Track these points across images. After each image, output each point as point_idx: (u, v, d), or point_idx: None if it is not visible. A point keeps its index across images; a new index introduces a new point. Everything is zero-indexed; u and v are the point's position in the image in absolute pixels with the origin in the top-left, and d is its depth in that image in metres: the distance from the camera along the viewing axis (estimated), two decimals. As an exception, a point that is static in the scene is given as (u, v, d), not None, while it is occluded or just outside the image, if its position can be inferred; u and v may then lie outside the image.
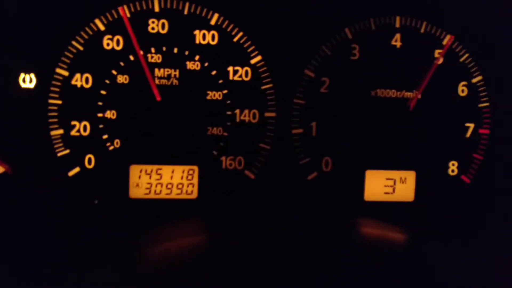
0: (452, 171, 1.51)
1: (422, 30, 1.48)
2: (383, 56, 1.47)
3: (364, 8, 1.46)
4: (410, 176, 1.49)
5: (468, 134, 1.51)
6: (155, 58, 1.39)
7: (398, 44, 1.47)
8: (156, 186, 1.41)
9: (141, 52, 1.38)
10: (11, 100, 1.33)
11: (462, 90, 1.50)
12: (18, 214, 1.33)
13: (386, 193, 1.49)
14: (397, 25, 1.47)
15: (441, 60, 1.48)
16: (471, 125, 1.51)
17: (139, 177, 1.40)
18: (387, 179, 1.49)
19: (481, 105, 1.51)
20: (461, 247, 1.25)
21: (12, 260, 1.13)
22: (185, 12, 1.40)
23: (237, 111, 1.43)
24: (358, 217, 1.41)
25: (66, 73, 1.36)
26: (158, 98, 1.39)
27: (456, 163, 1.51)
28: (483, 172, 1.51)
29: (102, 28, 1.37)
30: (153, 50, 1.39)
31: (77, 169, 1.38)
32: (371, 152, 1.48)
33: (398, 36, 1.47)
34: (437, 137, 1.50)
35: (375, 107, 1.47)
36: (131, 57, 1.38)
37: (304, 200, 1.46)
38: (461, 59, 1.50)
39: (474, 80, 1.50)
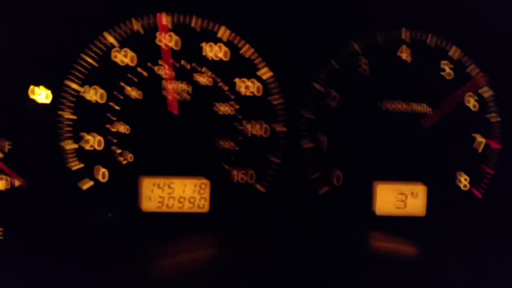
0: (464, 186, 1.51)
1: (430, 43, 1.48)
2: (391, 69, 1.47)
3: (372, 21, 1.47)
4: (421, 190, 1.49)
5: (479, 149, 1.51)
6: (167, 72, 1.40)
7: (406, 57, 1.48)
8: (168, 199, 1.42)
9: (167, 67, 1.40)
10: (25, 115, 1.35)
11: (473, 104, 1.50)
12: (32, 227, 1.34)
13: (397, 207, 1.48)
14: (405, 38, 1.48)
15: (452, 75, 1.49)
16: (483, 140, 1.51)
17: (152, 190, 1.41)
18: (398, 193, 1.48)
19: (492, 119, 1.51)
20: (473, 261, 1.24)
21: (26, 272, 1.14)
22: (197, 28, 1.41)
23: (248, 125, 1.44)
24: (369, 231, 1.41)
25: (79, 88, 1.38)
26: (176, 112, 1.40)
27: (467, 178, 1.51)
28: (494, 186, 1.51)
29: (115, 43, 1.38)
30: (165, 64, 1.40)
31: (90, 183, 1.39)
32: (381, 166, 1.48)
33: (406, 49, 1.48)
34: (448, 151, 1.50)
35: (384, 120, 1.47)
36: (142, 72, 1.40)
37: (314, 214, 1.46)
38: (469, 73, 1.50)
39: (486, 95, 1.50)
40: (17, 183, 1.35)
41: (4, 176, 1.35)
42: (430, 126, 1.48)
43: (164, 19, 1.40)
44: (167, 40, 1.40)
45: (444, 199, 1.50)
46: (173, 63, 1.41)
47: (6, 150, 1.34)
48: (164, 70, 1.40)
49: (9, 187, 1.35)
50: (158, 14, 1.40)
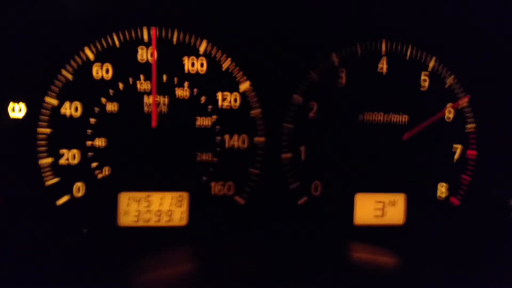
0: (442, 192, 1.52)
1: (408, 55, 1.50)
2: (370, 80, 1.48)
3: (351, 33, 1.48)
4: (399, 199, 1.50)
5: (456, 156, 1.52)
6: (144, 85, 1.40)
7: (385, 68, 1.49)
8: (145, 213, 1.40)
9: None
10: (0, 130, 1.33)
11: (448, 112, 1.52)
12: (8, 243, 1.31)
13: (376, 216, 1.49)
14: (383, 50, 1.49)
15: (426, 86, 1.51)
16: (459, 147, 1.52)
17: (128, 204, 1.40)
18: (377, 202, 1.49)
19: (468, 126, 1.53)
20: (452, 269, 1.24)
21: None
22: (174, 40, 1.41)
23: (227, 137, 1.44)
24: (348, 241, 1.41)
25: (55, 102, 1.36)
26: (154, 125, 1.39)
27: (445, 185, 1.52)
28: (472, 194, 1.52)
29: (91, 57, 1.38)
30: (142, 78, 1.40)
31: (66, 198, 1.37)
32: (360, 176, 1.49)
33: (384, 60, 1.49)
34: (425, 160, 1.51)
35: (364, 131, 1.48)
36: (120, 85, 1.39)
37: (294, 225, 1.46)
38: (447, 83, 1.51)
39: (461, 103, 1.52)
40: None
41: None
42: (408, 138, 1.49)
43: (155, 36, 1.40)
44: (145, 53, 1.41)
45: (422, 207, 1.50)
46: (150, 76, 1.40)
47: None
48: (148, 84, 1.40)
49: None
50: (152, 29, 1.39)
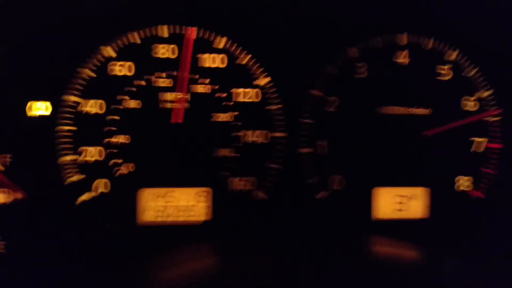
0: (465, 186, 1.50)
1: (429, 46, 1.48)
2: (390, 73, 1.47)
3: (370, 26, 1.47)
4: (421, 193, 1.48)
5: (480, 149, 1.50)
6: (166, 82, 1.41)
7: (405, 61, 1.48)
8: (167, 209, 1.42)
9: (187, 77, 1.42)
10: (24, 128, 1.36)
11: (472, 104, 1.50)
12: (33, 240, 1.34)
13: (397, 210, 1.48)
14: (404, 42, 1.47)
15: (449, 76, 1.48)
16: (483, 140, 1.50)
17: (149, 200, 1.41)
18: (398, 196, 1.48)
19: (492, 119, 1.50)
20: (476, 263, 1.22)
21: (27, 285, 1.14)
22: (194, 37, 1.42)
23: (246, 132, 1.44)
24: (368, 236, 1.40)
25: (78, 100, 1.38)
26: (180, 120, 1.41)
27: (469, 179, 1.50)
28: (496, 187, 1.50)
29: (113, 54, 1.39)
30: (163, 75, 1.41)
31: (90, 195, 1.39)
32: (380, 170, 1.48)
33: (404, 53, 1.47)
34: (448, 153, 1.49)
35: (384, 125, 1.47)
36: (142, 82, 1.40)
37: (313, 219, 1.45)
38: (470, 73, 1.49)
39: (484, 95, 1.50)
40: (18, 196, 1.36)
41: (5, 189, 1.35)
42: (432, 134, 1.48)
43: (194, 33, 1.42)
44: (165, 50, 1.42)
45: (446, 200, 1.49)
46: (176, 73, 1.42)
47: (8, 164, 1.35)
48: (169, 81, 1.41)
49: (11, 200, 1.35)
50: (186, 29, 1.41)
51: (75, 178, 1.39)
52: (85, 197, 1.39)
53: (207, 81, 1.43)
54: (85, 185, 1.39)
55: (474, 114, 1.50)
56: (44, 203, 1.36)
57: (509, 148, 1.50)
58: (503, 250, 1.36)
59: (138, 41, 1.41)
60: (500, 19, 1.48)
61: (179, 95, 1.41)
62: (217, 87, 1.43)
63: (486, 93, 1.50)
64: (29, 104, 1.36)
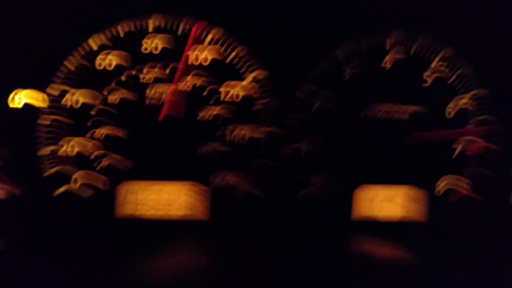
0: (454, 186, 1.46)
1: (415, 47, 1.46)
2: (377, 74, 1.46)
3: (361, 24, 1.46)
4: (405, 193, 1.46)
5: (476, 151, 1.46)
6: (148, 76, 1.40)
7: (392, 62, 1.46)
8: (147, 203, 1.39)
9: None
10: (4, 119, 1.34)
11: (468, 105, 1.47)
12: (30, 236, 1.33)
13: (380, 210, 1.45)
14: (391, 43, 1.46)
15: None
16: (479, 141, 1.46)
17: (131, 194, 1.39)
18: (381, 196, 1.45)
19: (488, 121, 1.47)
20: (469, 266, 1.19)
21: (26, 282, 1.12)
22: (179, 31, 1.40)
23: (233, 127, 1.43)
24: (349, 235, 1.39)
25: (57, 92, 1.37)
26: (170, 113, 1.40)
27: (458, 178, 1.46)
28: (485, 187, 1.46)
29: (95, 47, 1.38)
30: (146, 68, 1.39)
31: (65, 187, 1.37)
32: (365, 169, 1.46)
33: (392, 54, 1.46)
34: (435, 152, 1.46)
35: (371, 123, 1.46)
36: (123, 76, 1.39)
37: (295, 217, 1.42)
38: (462, 73, 1.46)
39: (476, 94, 1.47)
40: (13, 191, 1.34)
41: (2, 185, 1.33)
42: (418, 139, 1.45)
43: (198, 32, 1.41)
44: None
45: (439, 202, 1.45)
46: (163, 66, 1.40)
47: (7, 159, 1.34)
48: (152, 74, 1.40)
49: (7, 196, 1.34)
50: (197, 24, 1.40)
51: (51, 170, 1.37)
52: (63, 189, 1.37)
53: (195, 74, 1.41)
54: (61, 178, 1.37)
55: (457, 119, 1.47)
56: (38, 198, 1.35)
57: (505, 151, 1.46)
58: (492, 251, 1.32)
59: (129, 32, 1.39)
60: (493, 17, 1.45)
61: (171, 87, 1.39)
62: (207, 80, 1.42)
63: (478, 92, 1.47)
64: (12, 94, 1.35)
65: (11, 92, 1.35)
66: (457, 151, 1.46)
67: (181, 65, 1.40)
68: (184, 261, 1.21)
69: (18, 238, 1.31)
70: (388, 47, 1.46)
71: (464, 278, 1.11)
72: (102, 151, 1.38)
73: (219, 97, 1.42)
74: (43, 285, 1.11)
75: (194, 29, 1.40)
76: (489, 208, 1.44)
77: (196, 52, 1.41)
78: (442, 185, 1.46)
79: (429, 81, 1.47)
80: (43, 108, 1.36)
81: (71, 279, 1.11)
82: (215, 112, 1.42)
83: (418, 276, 1.11)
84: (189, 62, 1.41)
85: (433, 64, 1.47)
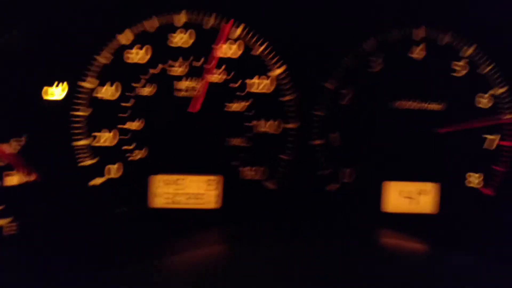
0: (476, 183, 1.50)
1: (445, 41, 1.47)
2: (405, 67, 1.47)
3: (387, 19, 1.46)
4: (432, 188, 1.48)
5: (492, 146, 1.49)
6: (179, 70, 1.41)
7: (420, 55, 1.47)
8: (177, 196, 1.43)
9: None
10: (39, 112, 1.36)
11: (485, 103, 1.49)
12: (45, 222, 1.35)
13: (407, 204, 1.48)
14: (419, 36, 1.47)
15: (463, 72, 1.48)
16: (495, 137, 1.49)
17: (160, 187, 1.42)
18: (408, 190, 1.48)
19: (505, 117, 1.49)
20: (485, 259, 1.23)
21: (38, 268, 1.16)
22: (208, 25, 1.42)
23: (259, 122, 1.45)
24: (378, 229, 1.40)
25: (92, 86, 1.39)
26: (196, 109, 1.41)
27: (480, 176, 1.49)
28: (507, 185, 1.49)
29: (127, 41, 1.40)
30: (177, 62, 1.41)
31: (102, 179, 1.41)
32: (392, 164, 1.48)
33: (420, 47, 1.47)
34: (460, 149, 1.48)
35: (396, 119, 1.47)
36: (156, 70, 1.41)
37: (324, 211, 1.46)
38: (484, 70, 1.48)
39: (498, 92, 1.49)
40: (31, 178, 1.37)
41: (19, 171, 1.36)
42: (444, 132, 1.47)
43: (229, 31, 1.42)
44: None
45: (456, 197, 1.48)
46: (184, 61, 1.42)
47: (22, 146, 1.36)
48: (183, 69, 1.41)
49: (23, 182, 1.36)
50: (227, 25, 1.41)
51: (88, 162, 1.40)
52: (96, 181, 1.40)
53: (221, 70, 1.43)
54: (97, 169, 1.40)
55: (488, 113, 1.49)
56: (57, 186, 1.37)
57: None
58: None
59: (154, 28, 1.41)
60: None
61: (198, 83, 1.41)
62: (230, 76, 1.43)
63: (500, 90, 1.49)
64: (44, 88, 1.37)
65: (43, 86, 1.37)
66: (491, 147, 1.49)
67: (212, 60, 1.41)
68: (214, 254, 1.22)
69: (51, 227, 1.35)
70: (416, 39, 1.46)
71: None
72: (134, 144, 1.41)
73: (246, 91, 1.44)
74: (71, 274, 1.13)
75: (226, 25, 1.42)
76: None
77: (225, 46, 1.42)
78: (469, 181, 1.49)
79: (461, 75, 1.47)
80: (79, 101, 1.38)
81: (98, 270, 1.13)
82: (239, 108, 1.44)
83: (446, 270, 1.14)
84: (218, 56, 1.42)
85: (466, 54, 1.47)
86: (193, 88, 1.42)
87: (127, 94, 1.40)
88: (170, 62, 1.41)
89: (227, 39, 1.42)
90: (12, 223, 1.33)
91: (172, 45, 1.41)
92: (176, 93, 1.42)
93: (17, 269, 1.18)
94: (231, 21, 1.42)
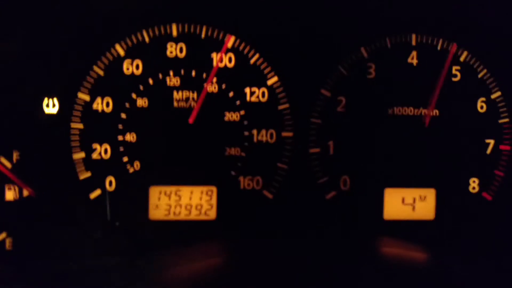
0: (473, 188, 1.49)
1: (439, 47, 1.48)
2: (400, 74, 1.47)
3: (380, 26, 1.47)
4: (430, 194, 1.48)
5: (488, 151, 1.49)
6: (174, 81, 1.41)
7: (415, 61, 1.47)
8: (175, 207, 1.42)
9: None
10: (34, 125, 1.36)
11: (481, 106, 1.49)
12: (41, 237, 1.35)
13: (405, 211, 1.47)
14: (413, 42, 1.47)
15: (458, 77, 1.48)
16: (492, 142, 1.49)
17: (159, 198, 1.42)
18: (407, 197, 1.48)
19: (501, 121, 1.49)
20: (483, 265, 1.22)
21: (34, 283, 1.15)
22: (202, 36, 1.42)
23: (255, 131, 1.45)
24: (377, 236, 1.40)
25: (87, 98, 1.39)
26: (191, 121, 1.41)
27: (477, 180, 1.49)
28: (504, 189, 1.49)
29: (122, 53, 1.40)
30: (171, 73, 1.41)
31: (98, 192, 1.40)
32: (389, 170, 1.47)
33: (414, 53, 1.47)
34: (457, 154, 1.48)
35: (392, 125, 1.47)
36: (150, 81, 1.41)
37: (322, 220, 1.45)
38: (480, 75, 1.49)
39: (493, 96, 1.49)
40: (25, 193, 1.36)
41: (12, 186, 1.36)
42: (428, 123, 1.47)
43: (230, 42, 1.42)
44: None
45: (454, 202, 1.48)
46: (179, 71, 1.42)
47: (15, 161, 1.35)
48: (177, 80, 1.41)
49: (17, 197, 1.36)
50: (229, 36, 1.42)
51: (84, 175, 1.40)
52: (94, 194, 1.40)
53: (215, 80, 1.43)
54: (94, 182, 1.40)
55: (483, 117, 1.49)
56: (53, 200, 1.37)
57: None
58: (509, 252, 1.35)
59: (147, 40, 1.41)
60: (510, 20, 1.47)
61: (195, 93, 1.41)
62: (225, 86, 1.43)
63: (495, 95, 1.49)
64: (46, 100, 1.37)
65: (43, 99, 1.37)
66: (488, 151, 1.49)
67: (211, 70, 1.42)
68: (212, 265, 1.22)
69: (51, 240, 1.34)
70: (409, 46, 1.47)
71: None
72: (131, 155, 1.41)
73: (242, 101, 1.44)
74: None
75: (227, 37, 1.42)
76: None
77: (221, 56, 1.42)
78: (473, 185, 1.49)
79: (451, 82, 1.48)
80: (75, 113, 1.38)
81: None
82: (235, 117, 1.44)
83: (448, 277, 1.14)
84: (215, 66, 1.42)
85: (458, 65, 1.48)
86: (191, 99, 1.42)
87: (123, 106, 1.40)
88: (166, 73, 1.41)
89: (227, 50, 1.43)
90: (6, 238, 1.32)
91: (168, 56, 1.41)
92: (174, 104, 1.42)
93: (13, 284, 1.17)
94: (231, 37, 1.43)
